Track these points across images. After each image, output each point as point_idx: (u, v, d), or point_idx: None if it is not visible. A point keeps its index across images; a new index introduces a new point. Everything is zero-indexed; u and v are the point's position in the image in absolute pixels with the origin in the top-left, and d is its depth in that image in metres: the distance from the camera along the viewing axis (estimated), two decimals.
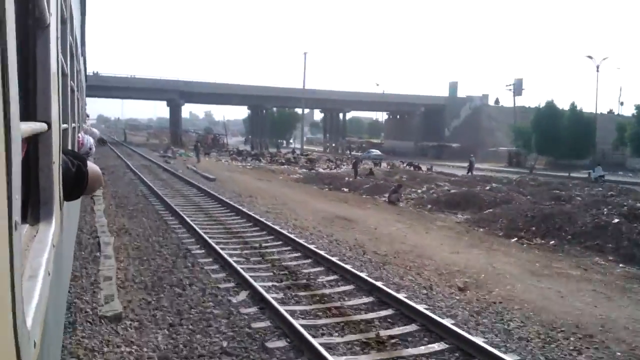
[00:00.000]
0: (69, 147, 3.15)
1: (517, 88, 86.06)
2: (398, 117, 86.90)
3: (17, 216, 0.83)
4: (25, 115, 1.44)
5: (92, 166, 2.19)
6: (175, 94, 68.44)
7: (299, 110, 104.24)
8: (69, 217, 3.13)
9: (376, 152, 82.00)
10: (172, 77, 72.82)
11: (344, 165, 46.62)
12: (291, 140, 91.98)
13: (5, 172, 0.75)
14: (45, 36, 1.58)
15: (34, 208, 1.56)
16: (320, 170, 39.53)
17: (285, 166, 41.94)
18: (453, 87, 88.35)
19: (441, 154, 73.55)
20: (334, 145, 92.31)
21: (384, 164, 49.53)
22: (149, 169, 30.70)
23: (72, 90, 3.94)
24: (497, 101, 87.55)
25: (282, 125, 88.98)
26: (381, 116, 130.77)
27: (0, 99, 0.72)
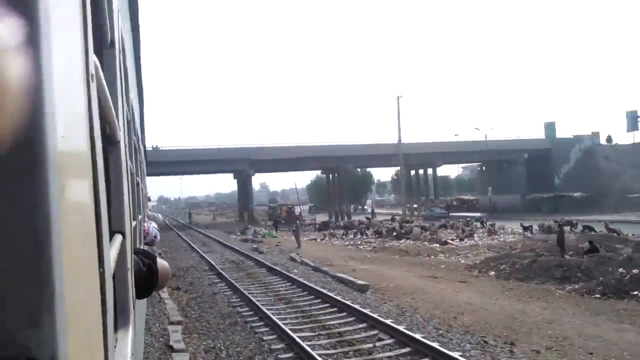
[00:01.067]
0: (137, 242, 3.35)
1: (633, 121, 73.64)
2: (495, 167, 75.18)
3: (112, 358, 0.88)
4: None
5: (161, 263, 2.24)
6: (244, 163, 59.96)
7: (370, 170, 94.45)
8: (140, 314, 3.10)
9: (440, 210, 70.33)
10: (238, 145, 64.22)
11: (475, 235, 35.34)
12: (366, 206, 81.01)
13: (101, 304, 0.79)
14: (116, 152, 1.65)
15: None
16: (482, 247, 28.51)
17: (425, 244, 30.88)
18: (550, 127, 76.24)
19: (559, 207, 60.97)
20: (415, 206, 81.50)
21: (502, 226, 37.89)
22: (242, 267, 20.59)
23: (138, 184, 3.99)
24: (609, 139, 74.64)
25: (354, 188, 78.58)
26: (457, 169, 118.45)
27: (93, 221, 0.75)
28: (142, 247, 3.74)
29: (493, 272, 17.81)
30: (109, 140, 1.56)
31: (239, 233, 42.13)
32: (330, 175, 70.33)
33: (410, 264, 21.65)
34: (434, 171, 71.20)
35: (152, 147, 58.02)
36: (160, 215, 9.43)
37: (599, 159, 67.77)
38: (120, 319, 1.58)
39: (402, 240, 32.85)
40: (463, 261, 22.47)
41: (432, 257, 25.30)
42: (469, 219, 45.72)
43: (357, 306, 11.86)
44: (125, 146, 1.96)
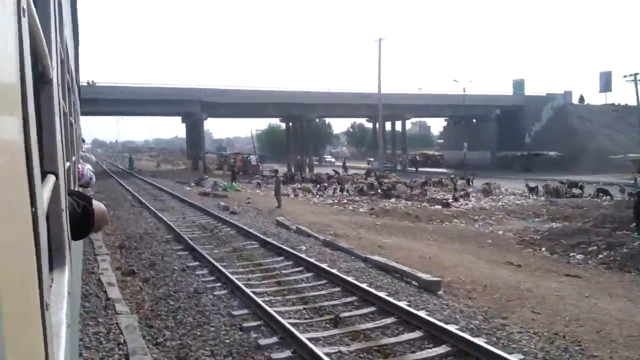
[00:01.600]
0: (72, 184, 3.37)
1: (606, 82, 71.22)
2: (462, 122, 71.30)
3: (47, 297, 0.87)
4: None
5: (97, 205, 2.22)
6: (196, 105, 52.72)
7: (329, 121, 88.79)
8: (76, 256, 3.11)
9: (388, 163, 66.61)
10: (189, 85, 56.56)
11: (462, 193, 30.90)
12: (327, 157, 75.57)
13: (34, 247, 0.78)
14: (49, 89, 1.61)
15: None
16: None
17: (426, 205, 25.79)
18: (519, 85, 72.80)
19: (531, 166, 57.96)
20: (372, 160, 77.39)
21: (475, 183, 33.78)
22: (219, 237, 14.87)
23: (71, 124, 3.91)
24: (581, 99, 72.14)
25: (314, 139, 72.89)
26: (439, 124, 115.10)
27: (24, 159, 0.74)
28: (76, 189, 3.51)
29: (580, 255, 12.96)
30: (42, 79, 1.56)
31: (193, 184, 35.92)
32: (291, 124, 64.28)
33: (439, 234, 16.63)
34: (403, 124, 66.37)
35: (88, 83, 49.77)
36: (93, 157, 8.76)
37: (573, 118, 65.06)
38: (56, 259, 1.58)
39: (393, 200, 27.89)
40: (500, 232, 17.66)
41: (447, 223, 20.46)
42: (452, 176, 41.31)
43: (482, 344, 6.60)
44: (59, 85, 1.96)
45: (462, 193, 30.59)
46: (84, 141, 16.83)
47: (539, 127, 66.93)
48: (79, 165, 4.92)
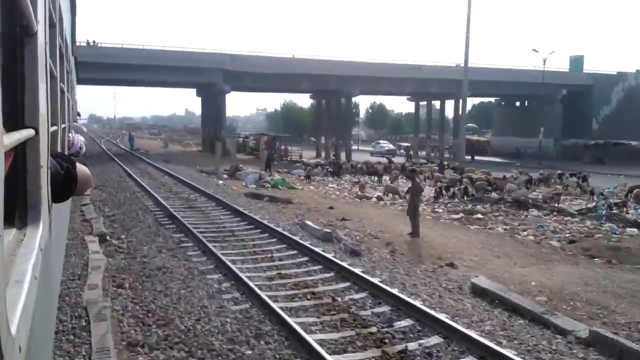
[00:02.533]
0: (59, 149, 3.40)
1: None
2: (518, 104, 62.03)
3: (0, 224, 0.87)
4: (14, 122, 1.46)
5: (81, 167, 2.23)
6: (217, 75, 43.36)
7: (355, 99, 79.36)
8: (59, 220, 3.17)
9: (388, 145, 57.61)
10: (212, 49, 46.92)
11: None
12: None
13: None
14: (33, 43, 1.60)
15: (21, 212, 1.57)
16: None
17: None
18: (577, 62, 63.20)
19: (603, 157, 49.03)
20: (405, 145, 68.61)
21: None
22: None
23: (62, 91, 4.01)
24: None
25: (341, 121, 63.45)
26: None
27: None
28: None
29: None
30: (25, 32, 1.54)
31: (226, 176, 26.84)
32: (323, 101, 55.00)
33: None
34: (464, 104, 56.36)
35: (88, 43, 40.37)
36: (84, 128, 7.47)
37: None
38: (31, 215, 1.57)
39: (536, 212, 18.86)
40: None
41: None
42: (560, 171, 32.25)
43: None
44: (46, 43, 1.93)
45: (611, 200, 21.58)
46: (79, 115, 15.05)
47: (608, 111, 57.80)
48: (70, 134, 4.90)
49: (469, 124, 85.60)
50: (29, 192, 1.57)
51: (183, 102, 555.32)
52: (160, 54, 42.31)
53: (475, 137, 65.08)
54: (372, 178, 31.32)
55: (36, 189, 1.61)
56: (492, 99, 66.13)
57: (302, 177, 29.79)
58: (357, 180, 29.86)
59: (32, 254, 1.35)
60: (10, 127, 0.91)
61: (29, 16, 1.46)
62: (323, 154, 52.09)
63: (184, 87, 54.17)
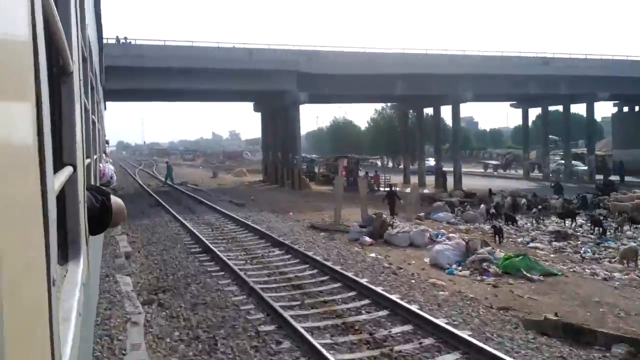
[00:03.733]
0: (92, 181, 3.52)
1: None
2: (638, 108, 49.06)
3: (54, 272, 0.88)
4: (53, 160, 1.48)
5: (115, 200, 2.27)
6: (290, 79, 31.93)
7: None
8: (94, 251, 3.14)
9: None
10: (282, 45, 35.16)
11: None
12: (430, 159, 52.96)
13: (43, 228, 0.80)
14: (69, 83, 1.65)
15: (62, 247, 1.57)
16: None
17: None
18: None
19: None
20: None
21: None
22: None
23: (94, 123, 4.02)
24: None
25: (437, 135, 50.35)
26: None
27: (36, 150, 0.75)
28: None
29: None
30: (62, 72, 1.58)
31: (367, 239, 14.84)
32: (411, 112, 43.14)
33: None
34: (590, 107, 43.29)
35: (118, 40, 29.50)
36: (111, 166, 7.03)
37: None
38: (72, 251, 1.60)
39: None
40: None
41: None
42: None
43: None
44: (80, 80, 1.96)
45: None
46: (107, 143, 14.50)
47: None
48: (101, 165, 5.02)
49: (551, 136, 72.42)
50: (68, 228, 1.60)
51: (209, 126, 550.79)
52: (212, 53, 31.07)
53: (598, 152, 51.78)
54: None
55: (75, 224, 1.64)
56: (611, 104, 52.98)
57: (480, 231, 17.87)
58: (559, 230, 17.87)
59: (75, 290, 1.37)
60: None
61: (65, 56, 1.49)
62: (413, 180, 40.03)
63: (237, 99, 42.62)
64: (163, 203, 22.53)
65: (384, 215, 15.72)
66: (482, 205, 22.11)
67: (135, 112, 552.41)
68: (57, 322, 0.87)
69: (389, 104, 69.67)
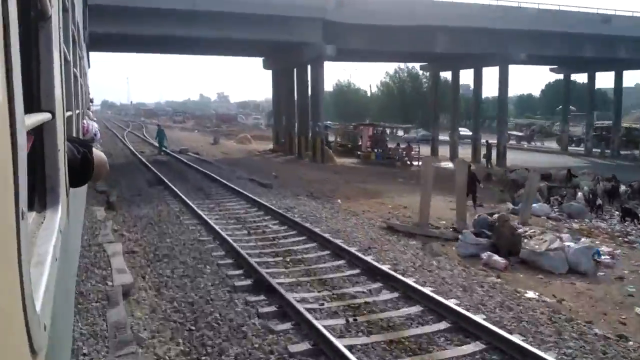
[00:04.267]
0: (74, 134, 3.39)
1: None
2: None
3: (23, 206, 0.88)
4: (30, 105, 1.47)
5: (97, 153, 2.23)
6: (313, 28, 26.34)
7: None
8: (76, 204, 3.18)
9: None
10: None
11: None
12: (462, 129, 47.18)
13: (12, 164, 0.81)
14: (47, 28, 1.61)
15: (40, 195, 1.58)
16: None
17: None
18: None
19: None
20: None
21: None
22: None
23: (76, 77, 4.02)
24: None
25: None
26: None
27: (5, 95, 0.76)
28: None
29: None
30: (40, 16, 1.55)
31: (500, 260, 9.78)
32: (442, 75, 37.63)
33: None
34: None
35: None
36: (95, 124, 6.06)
37: None
38: (50, 198, 1.59)
39: None
40: None
41: None
42: None
43: None
44: (60, 28, 1.94)
45: None
46: (92, 101, 13.82)
47: None
48: (84, 121, 4.93)
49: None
50: (47, 176, 1.59)
51: (197, 87, 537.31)
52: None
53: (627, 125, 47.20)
54: None
55: (54, 172, 1.63)
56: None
57: (605, 232, 13.00)
58: None
59: (52, 236, 1.37)
60: (26, 111, 0.96)
61: (43, 0, 1.48)
62: (443, 153, 35.00)
63: (246, 52, 36.55)
64: (165, 180, 17.26)
65: (508, 219, 10.54)
66: (579, 193, 17.18)
67: (120, 71, 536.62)
68: (28, 263, 0.87)
69: (403, 67, 64.19)
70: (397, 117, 60.18)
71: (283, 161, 28.20)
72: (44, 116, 1.45)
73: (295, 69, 30.60)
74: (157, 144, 30.94)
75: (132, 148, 31.17)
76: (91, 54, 18.76)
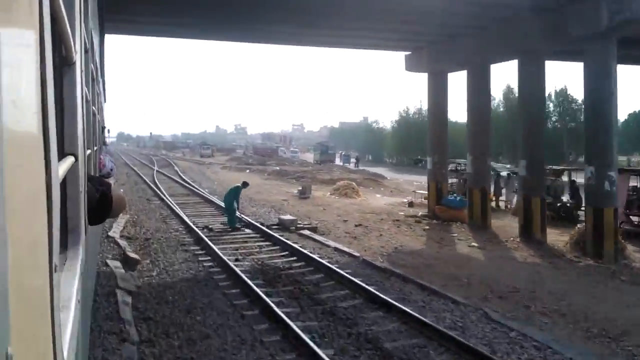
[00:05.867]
0: (92, 171, 3.37)
1: None
2: None
3: (56, 259, 0.88)
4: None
5: (116, 191, 2.26)
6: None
7: None
8: (93, 240, 3.17)
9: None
10: None
11: None
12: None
13: (47, 216, 0.81)
14: (71, 73, 1.62)
15: (62, 235, 1.53)
16: None
17: None
18: None
19: None
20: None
21: None
22: None
23: (94, 114, 3.96)
24: None
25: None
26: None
27: (41, 143, 0.76)
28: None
29: None
30: (65, 62, 1.55)
31: None
32: None
33: None
34: None
35: None
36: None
37: None
38: (72, 239, 1.59)
39: None
40: None
41: None
42: None
43: None
44: (82, 71, 1.95)
45: None
46: (108, 131, 13.99)
47: None
48: (101, 156, 4.86)
49: None
50: (69, 217, 1.56)
51: (212, 119, 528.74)
52: None
53: None
54: None
55: (76, 213, 1.60)
56: None
57: None
58: None
59: (75, 278, 1.36)
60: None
61: (69, 46, 1.46)
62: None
63: (392, 40, 20.90)
64: None
65: None
66: None
67: (135, 102, 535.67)
68: (58, 309, 0.88)
69: None
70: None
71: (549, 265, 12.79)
72: (70, 160, 1.47)
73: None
74: (201, 190, 16.62)
75: (183, 216, 15.97)
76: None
